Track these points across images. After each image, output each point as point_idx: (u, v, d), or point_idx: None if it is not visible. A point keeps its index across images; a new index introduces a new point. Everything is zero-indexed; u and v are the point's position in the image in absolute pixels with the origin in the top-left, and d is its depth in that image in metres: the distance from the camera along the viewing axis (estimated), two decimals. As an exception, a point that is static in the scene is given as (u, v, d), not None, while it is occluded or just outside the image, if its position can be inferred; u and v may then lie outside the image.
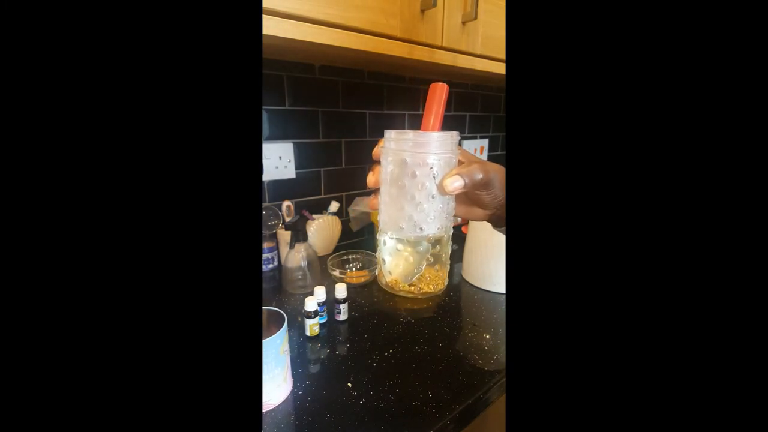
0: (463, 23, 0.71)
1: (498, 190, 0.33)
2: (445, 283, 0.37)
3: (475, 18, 0.70)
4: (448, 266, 0.36)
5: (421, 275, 0.34)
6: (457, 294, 0.80)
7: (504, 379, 0.54)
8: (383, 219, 0.34)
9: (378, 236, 0.36)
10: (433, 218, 0.32)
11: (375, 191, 0.36)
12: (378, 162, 0.35)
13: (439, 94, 0.32)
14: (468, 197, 0.35)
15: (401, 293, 0.35)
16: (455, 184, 0.31)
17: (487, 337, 0.64)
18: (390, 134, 0.33)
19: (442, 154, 0.31)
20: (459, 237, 1.10)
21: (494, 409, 0.55)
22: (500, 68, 0.83)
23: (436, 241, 0.34)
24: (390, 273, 0.35)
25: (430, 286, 0.36)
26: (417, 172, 0.31)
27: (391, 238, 0.34)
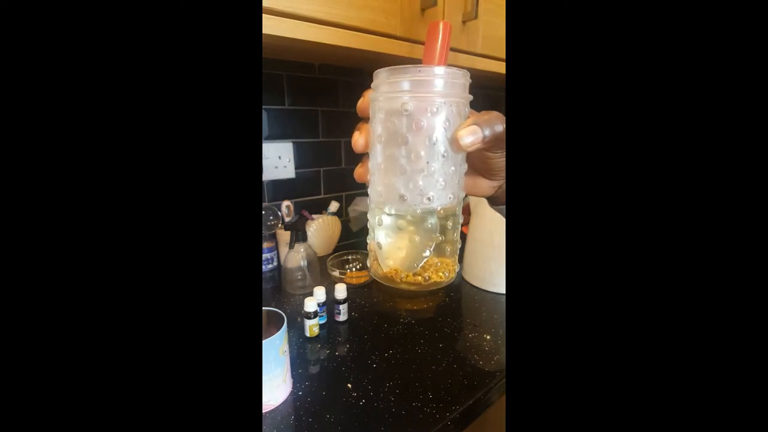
0: (464, 22, 0.71)
1: None
2: (456, 270, 0.28)
3: (476, 17, 0.69)
4: (459, 247, 0.29)
5: (428, 262, 0.27)
6: (458, 294, 0.80)
7: (504, 380, 0.54)
8: (377, 191, 0.26)
9: (369, 215, 0.28)
10: (444, 184, 0.25)
11: (363, 158, 0.28)
12: (365, 119, 0.27)
13: (442, 31, 0.25)
14: (474, 164, 0.28)
15: (403, 286, 0.27)
16: (473, 137, 0.24)
17: (488, 337, 0.64)
18: (381, 74, 0.25)
19: (453, 97, 0.24)
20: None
21: (495, 409, 0.55)
22: (501, 68, 0.83)
23: (447, 215, 0.26)
24: (388, 260, 0.27)
25: (440, 275, 0.27)
26: (423, 122, 0.24)
27: (389, 215, 0.26)
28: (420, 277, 0.27)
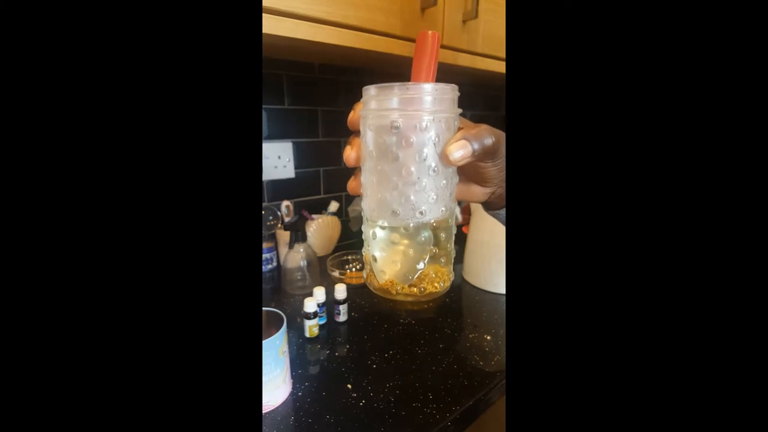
0: (464, 22, 0.71)
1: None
2: (451, 279, 0.29)
3: (476, 17, 0.69)
4: (454, 256, 0.29)
5: (422, 273, 0.27)
6: (458, 295, 0.80)
7: (504, 381, 0.54)
8: (370, 205, 0.27)
9: (363, 228, 0.29)
10: (436, 198, 0.25)
11: (355, 170, 0.28)
12: (357, 132, 0.27)
13: (430, 43, 0.25)
14: (466, 172, 0.29)
15: (399, 297, 0.28)
16: (462, 151, 0.24)
17: (488, 338, 0.63)
18: (370, 91, 0.25)
19: (442, 113, 0.25)
20: (459, 238, 1.09)
21: (495, 410, 0.55)
22: (501, 67, 0.83)
23: (440, 227, 0.27)
24: (384, 273, 0.28)
25: (436, 285, 0.28)
26: (413, 139, 0.24)
27: (383, 229, 0.27)
28: (416, 289, 0.27)
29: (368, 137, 0.26)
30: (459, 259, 0.90)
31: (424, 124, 0.24)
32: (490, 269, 0.79)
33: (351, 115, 0.27)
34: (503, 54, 0.81)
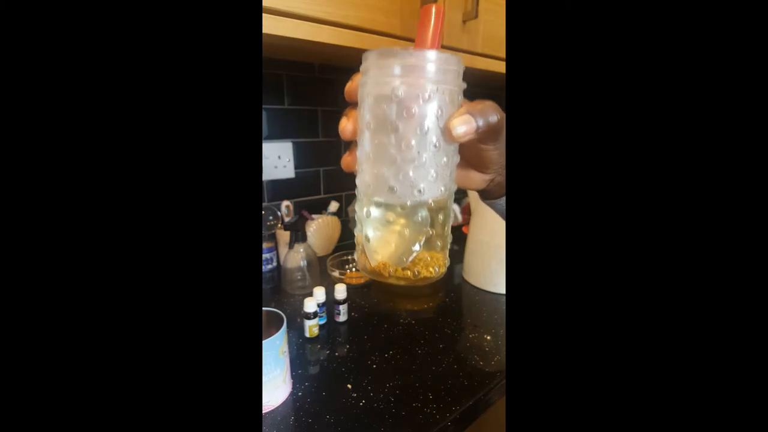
0: (464, 22, 0.71)
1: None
2: (447, 264, 0.27)
3: (476, 17, 0.69)
4: (450, 241, 0.27)
5: (417, 256, 0.26)
6: (458, 295, 0.80)
7: (505, 381, 0.54)
8: (365, 180, 0.25)
9: (356, 206, 0.27)
10: (436, 176, 0.24)
11: (350, 146, 0.26)
12: (354, 104, 0.25)
13: (434, 16, 0.24)
14: (466, 156, 0.27)
15: (391, 280, 0.26)
16: (466, 126, 0.23)
17: (488, 338, 0.63)
18: (370, 56, 0.23)
19: (446, 84, 0.23)
20: (460, 238, 1.09)
21: (495, 410, 0.55)
22: (501, 67, 0.83)
23: (438, 208, 0.25)
24: (377, 254, 0.26)
25: (431, 269, 0.26)
26: (414, 109, 0.22)
27: (378, 207, 0.25)
28: (409, 272, 0.26)
29: (366, 106, 0.24)
30: (459, 259, 0.90)
31: (427, 95, 0.22)
32: (490, 269, 0.79)
33: (349, 84, 0.25)
34: (503, 54, 0.81)
